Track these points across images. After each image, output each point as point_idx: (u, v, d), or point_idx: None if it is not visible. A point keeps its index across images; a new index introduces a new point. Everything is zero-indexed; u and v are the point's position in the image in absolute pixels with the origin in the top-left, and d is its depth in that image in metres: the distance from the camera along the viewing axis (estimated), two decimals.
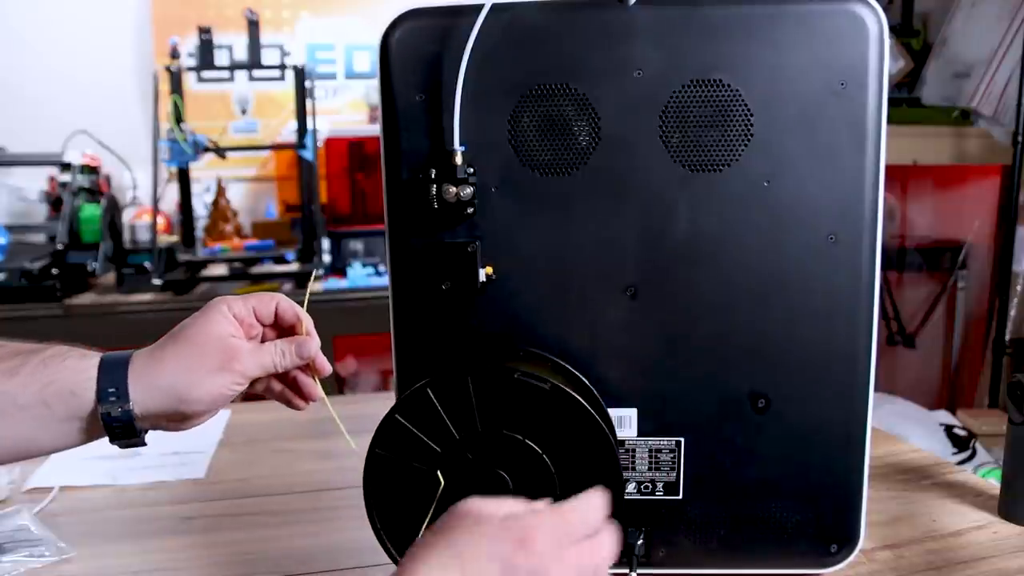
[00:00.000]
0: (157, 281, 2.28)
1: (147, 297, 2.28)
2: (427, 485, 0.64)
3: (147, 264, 2.33)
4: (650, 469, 0.74)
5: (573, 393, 0.63)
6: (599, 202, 0.70)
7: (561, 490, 0.63)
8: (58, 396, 0.58)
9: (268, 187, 2.97)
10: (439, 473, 0.64)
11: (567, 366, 0.71)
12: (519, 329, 0.72)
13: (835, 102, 0.68)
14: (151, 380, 0.59)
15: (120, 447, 0.61)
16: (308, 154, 2.43)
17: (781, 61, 0.68)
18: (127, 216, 2.61)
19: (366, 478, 0.65)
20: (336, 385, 2.46)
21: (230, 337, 0.63)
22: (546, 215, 0.71)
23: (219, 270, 2.48)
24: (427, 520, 0.64)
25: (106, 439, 0.61)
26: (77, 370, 0.59)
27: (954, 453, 2.12)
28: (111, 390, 0.58)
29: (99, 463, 1.06)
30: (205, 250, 2.60)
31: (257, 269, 2.50)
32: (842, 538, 0.74)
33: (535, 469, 0.63)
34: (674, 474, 0.74)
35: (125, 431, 0.60)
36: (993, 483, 0.95)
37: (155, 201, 2.36)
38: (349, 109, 2.99)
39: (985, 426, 2.24)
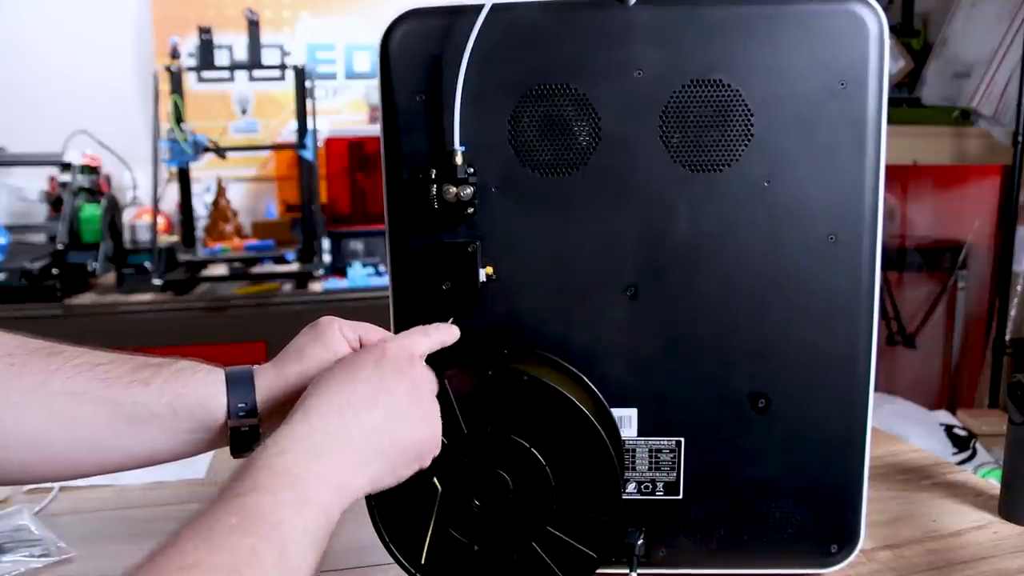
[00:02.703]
0: (157, 281, 2.28)
1: (147, 297, 2.28)
2: (427, 490, 0.65)
3: (147, 264, 2.33)
4: (650, 469, 0.74)
5: (550, 383, 0.64)
6: (599, 202, 0.70)
7: (555, 481, 0.64)
8: (187, 408, 0.60)
9: (268, 187, 2.97)
10: (435, 480, 0.65)
11: (567, 364, 0.71)
12: (519, 329, 0.72)
13: (835, 102, 0.68)
14: (277, 397, 0.61)
15: (235, 457, 0.63)
16: (308, 154, 2.43)
17: (781, 61, 0.68)
18: (127, 216, 2.61)
19: None
20: None
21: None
22: (546, 215, 0.71)
23: (219, 270, 2.48)
24: (431, 524, 0.65)
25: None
26: (206, 383, 0.61)
27: (954, 453, 2.12)
28: (241, 405, 0.60)
29: None
30: (205, 250, 2.60)
31: (257, 269, 2.50)
32: (842, 538, 0.74)
33: (528, 464, 0.64)
34: (674, 474, 0.74)
35: (249, 444, 0.61)
36: (993, 483, 0.95)
37: (155, 201, 2.36)
38: (349, 109, 2.99)
39: (985, 426, 2.24)
